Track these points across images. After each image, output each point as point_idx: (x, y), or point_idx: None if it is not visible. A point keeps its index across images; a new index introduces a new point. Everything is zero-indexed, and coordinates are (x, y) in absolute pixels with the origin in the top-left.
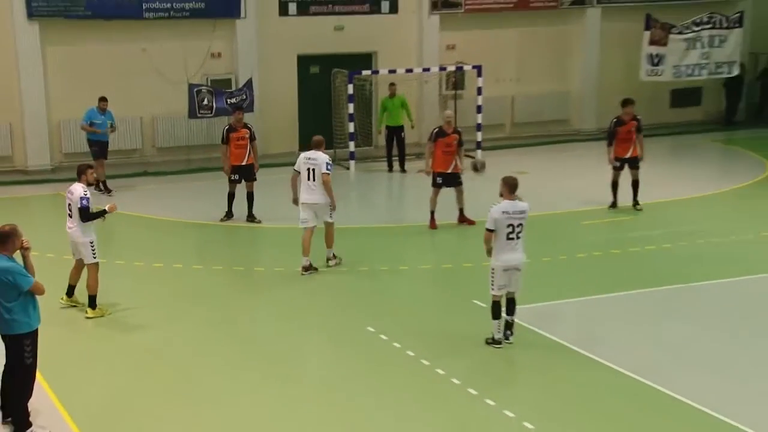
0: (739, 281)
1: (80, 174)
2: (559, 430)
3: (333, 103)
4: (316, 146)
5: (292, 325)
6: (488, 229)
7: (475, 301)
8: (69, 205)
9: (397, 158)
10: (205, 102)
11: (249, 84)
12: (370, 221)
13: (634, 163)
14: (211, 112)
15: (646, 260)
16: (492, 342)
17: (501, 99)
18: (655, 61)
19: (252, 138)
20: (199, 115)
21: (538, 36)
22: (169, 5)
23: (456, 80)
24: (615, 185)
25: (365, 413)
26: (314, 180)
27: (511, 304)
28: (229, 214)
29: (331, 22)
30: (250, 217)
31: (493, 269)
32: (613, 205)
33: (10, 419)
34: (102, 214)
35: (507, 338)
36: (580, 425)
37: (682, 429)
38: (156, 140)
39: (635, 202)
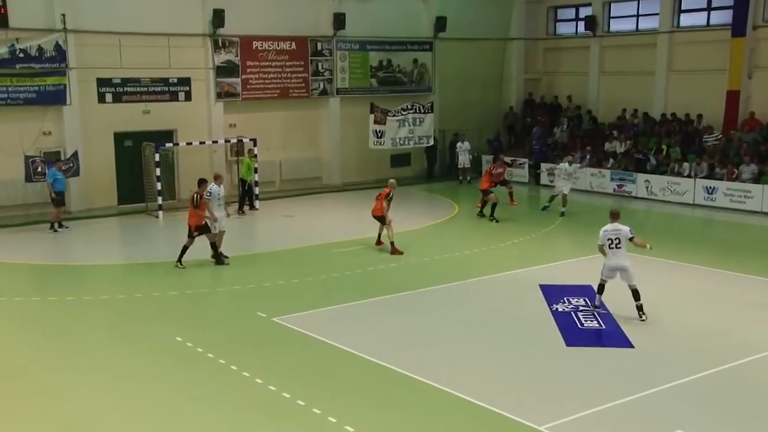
0: (450, 286)
1: None
2: (322, 402)
3: (144, 167)
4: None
5: (115, 339)
6: (599, 245)
7: (259, 313)
8: None
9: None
10: (39, 169)
11: (75, 155)
12: (176, 257)
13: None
14: (44, 177)
15: (382, 275)
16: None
17: (272, 162)
18: (379, 135)
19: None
20: (34, 180)
21: (296, 117)
22: (6, 95)
23: (237, 149)
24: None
25: (173, 402)
26: None
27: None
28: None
29: (139, 108)
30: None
31: (603, 265)
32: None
33: None
34: None
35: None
36: (339, 399)
37: (404, 394)
38: None
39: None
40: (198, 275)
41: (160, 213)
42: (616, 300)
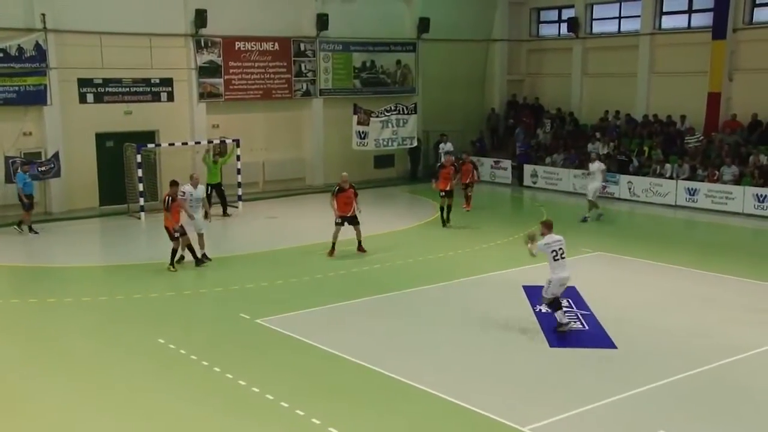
0: (433, 287)
1: None
2: (306, 403)
3: (125, 168)
4: None
5: (97, 341)
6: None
7: (242, 315)
8: None
9: (218, 205)
10: (19, 171)
11: (56, 155)
12: (157, 258)
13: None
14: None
15: (366, 276)
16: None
17: (255, 164)
18: (362, 136)
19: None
20: (13, 181)
21: (279, 117)
22: None
23: (221, 150)
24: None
25: (157, 405)
26: None
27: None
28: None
29: (121, 108)
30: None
31: (549, 281)
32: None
33: None
34: None
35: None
36: (323, 401)
37: (390, 396)
38: None
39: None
40: (180, 277)
41: (142, 214)
42: (599, 301)
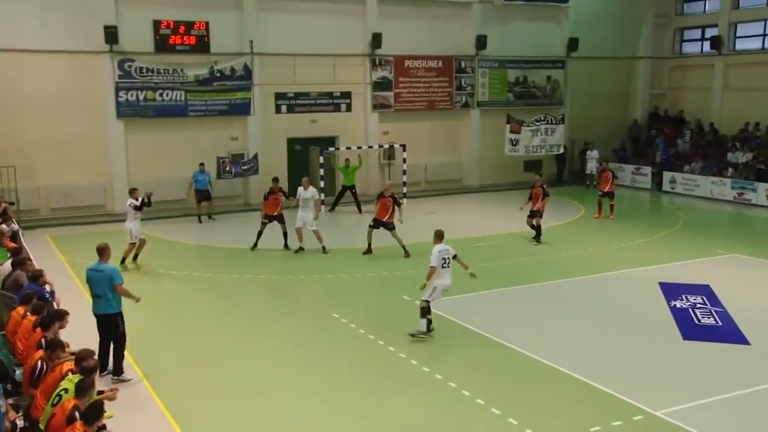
0: (574, 280)
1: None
2: (473, 387)
3: (309, 167)
4: None
5: (282, 311)
6: (432, 266)
7: (404, 297)
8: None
9: (344, 204)
10: (227, 168)
11: (255, 157)
12: (338, 245)
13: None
14: (232, 175)
15: (514, 268)
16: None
17: (418, 165)
18: (514, 143)
19: (285, 196)
20: (223, 177)
21: (441, 126)
22: (205, 107)
23: (389, 153)
24: (536, 227)
25: (332, 370)
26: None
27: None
28: (256, 244)
29: (308, 117)
30: (286, 246)
31: (434, 287)
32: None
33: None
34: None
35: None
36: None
37: (560, 392)
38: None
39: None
40: (352, 261)
41: (322, 207)
42: (734, 300)
